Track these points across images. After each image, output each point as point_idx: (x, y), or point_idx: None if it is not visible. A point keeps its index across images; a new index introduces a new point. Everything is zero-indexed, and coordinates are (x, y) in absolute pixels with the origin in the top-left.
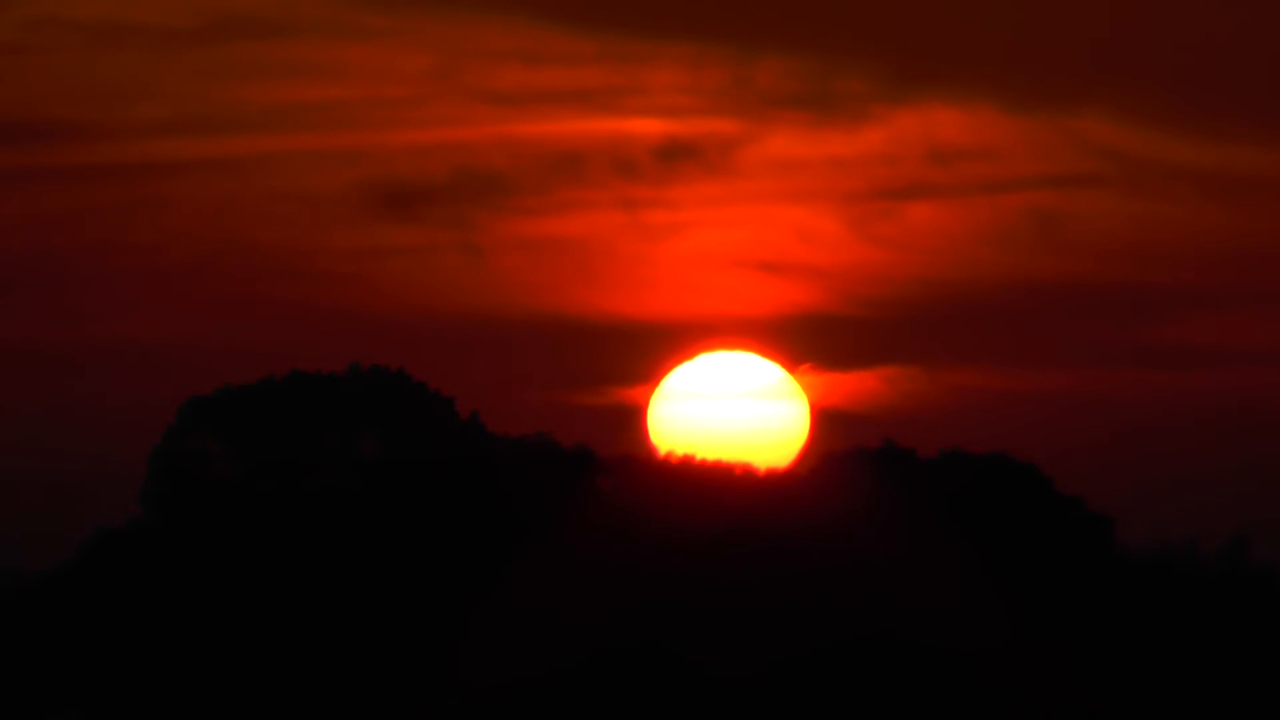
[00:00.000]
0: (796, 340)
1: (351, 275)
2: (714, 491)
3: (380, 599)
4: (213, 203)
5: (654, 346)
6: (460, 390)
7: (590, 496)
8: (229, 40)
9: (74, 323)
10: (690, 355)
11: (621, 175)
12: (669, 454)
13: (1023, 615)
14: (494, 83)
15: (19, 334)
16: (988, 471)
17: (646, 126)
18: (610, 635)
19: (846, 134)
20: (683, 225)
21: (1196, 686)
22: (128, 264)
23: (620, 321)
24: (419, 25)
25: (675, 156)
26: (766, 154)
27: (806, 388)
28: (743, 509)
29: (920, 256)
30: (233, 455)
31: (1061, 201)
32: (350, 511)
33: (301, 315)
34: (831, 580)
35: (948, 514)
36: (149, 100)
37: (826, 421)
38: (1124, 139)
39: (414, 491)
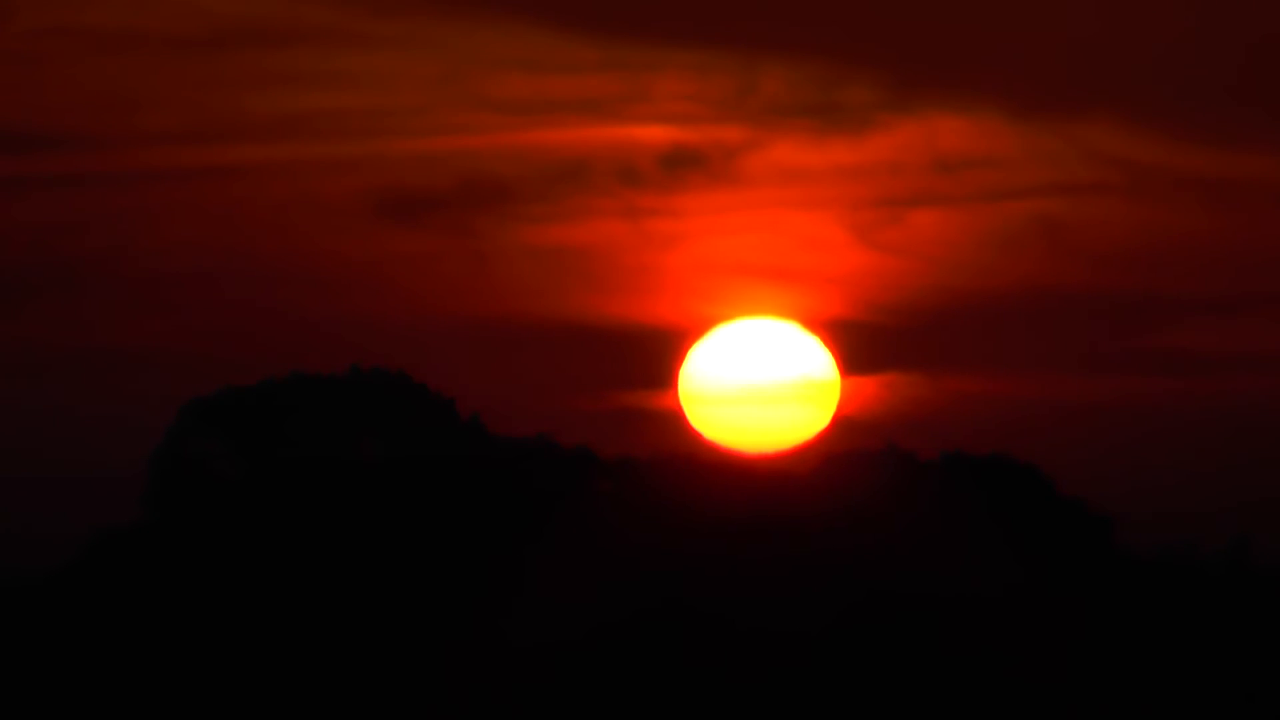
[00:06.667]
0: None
1: (357, 282)
2: (714, 490)
3: (382, 599)
4: (219, 210)
5: (658, 352)
6: (464, 395)
7: (592, 496)
8: (235, 49)
9: (78, 326)
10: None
11: (626, 183)
12: (717, 446)
13: (1024, 614)
14: (499, 91)
15: (26, 337)
16: (989, 472)
17: (652, 134)
18: (611, 620)
19: (851, 142)
20: (687, 232)
21: (1197, 687)
22: (133, 270)
23: (625, 327)
24: (424, 34)
25: (680, 164)
26: (772, 162)
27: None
28: (744, 507)
29: (925, 264)
30: (233, 456)
31: (1066, 209)
32: (350, 511)
33: (306, 321)
34: (829, 575)
35: (949, 514)
36: (156, 108)
37: (829, 426)
38: (1129, 147)
39: (415, 490)
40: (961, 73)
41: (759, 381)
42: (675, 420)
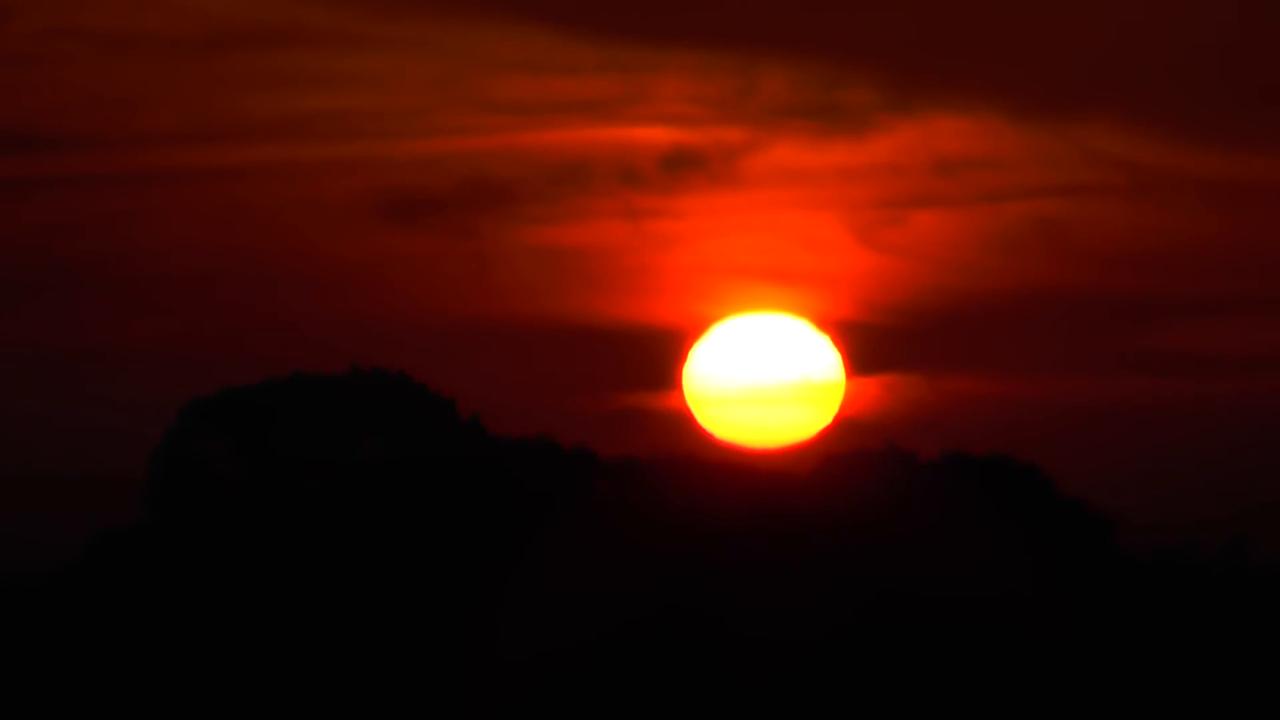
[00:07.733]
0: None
1: (357, 283)
2: (715, 490)
3: (381, 600)
4: (219, 211)
5: (659, 353)
6: (464, 395)
7: (592, 496)
8: (235, 50)
9: (80, 327)
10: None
11: (627, 183)
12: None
13: (1025, 615)
14: (500, 92)
15: (27, 338)
16: (989, 473)
17: (652, 135)
18: (612, 622)
19: (852, 143)
20: (687, 233)
21: (1197, 687)
22: (132, 270)
23: (625, 328)
24: (424, 34)
25: (681, 165)
26: (772, 162)
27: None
28: (744, 506)
29: (926, 264)
30: (233, 456)
31: (1067, 210)
32: (350, 512)
33: (306, 321)
34: (828, 575)
35: (949, 514)
36: (155, 109)
37: (829, 426)
38: (1129, 148)
39: (415, 490)
40: (961, 73)
41: (761, 381)
42: (676, 420)
